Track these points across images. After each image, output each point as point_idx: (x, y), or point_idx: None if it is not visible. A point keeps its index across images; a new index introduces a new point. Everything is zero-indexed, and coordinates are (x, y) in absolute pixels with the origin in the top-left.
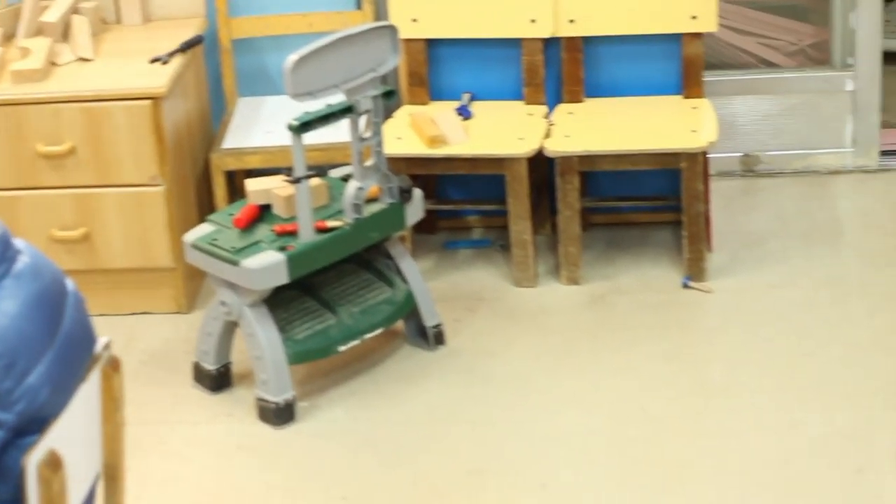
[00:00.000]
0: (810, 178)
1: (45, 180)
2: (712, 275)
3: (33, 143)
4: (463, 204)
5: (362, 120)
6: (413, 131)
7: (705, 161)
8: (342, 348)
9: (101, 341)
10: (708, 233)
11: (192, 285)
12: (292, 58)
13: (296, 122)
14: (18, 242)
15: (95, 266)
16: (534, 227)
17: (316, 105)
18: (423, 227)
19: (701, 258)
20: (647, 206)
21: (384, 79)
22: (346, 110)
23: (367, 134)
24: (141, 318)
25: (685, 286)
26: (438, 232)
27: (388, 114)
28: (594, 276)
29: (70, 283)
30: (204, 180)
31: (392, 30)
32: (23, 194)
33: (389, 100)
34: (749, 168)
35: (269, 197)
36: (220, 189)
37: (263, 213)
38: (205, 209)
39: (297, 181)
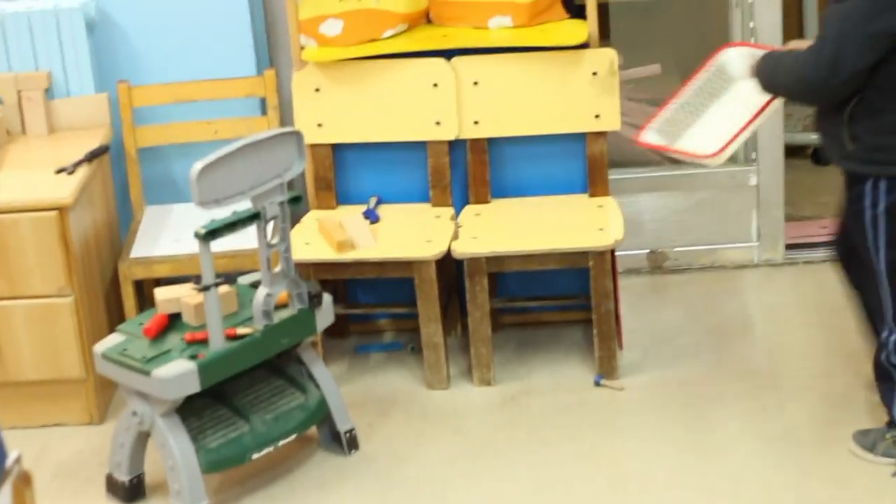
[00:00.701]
0: (718, 273)
1: None
2: (624, 372)
3: None
4: (373, 307)
5: (270, 226)
6: (321, 236)
7: (613, 259)
8: (256, 455)
9: (11, 455)
10: (618, 330)
11: (104, 396)
12: (198, 166)
13: (203, 230)
14: None
15: (5, 379)
16: (445, 329)
17: (223, 212)
18: (334, 332)
19: (612, 356)
20: (557, 306)
21: (291, 184)
22: (254, 217)
23: (275, 240)
24: (53, 431)
25: (597, 384)
26: (349, 336)
27: (295, 219)
28: (507, 377)
29: None
30: (113, 290)
31: (297, 135)
32: None
33: (296, 205)
34: (657, 265)
35: (178, 305)
36: (129, 298)
37: (173, 321)
38: (114, 319)
39: (205, 289)
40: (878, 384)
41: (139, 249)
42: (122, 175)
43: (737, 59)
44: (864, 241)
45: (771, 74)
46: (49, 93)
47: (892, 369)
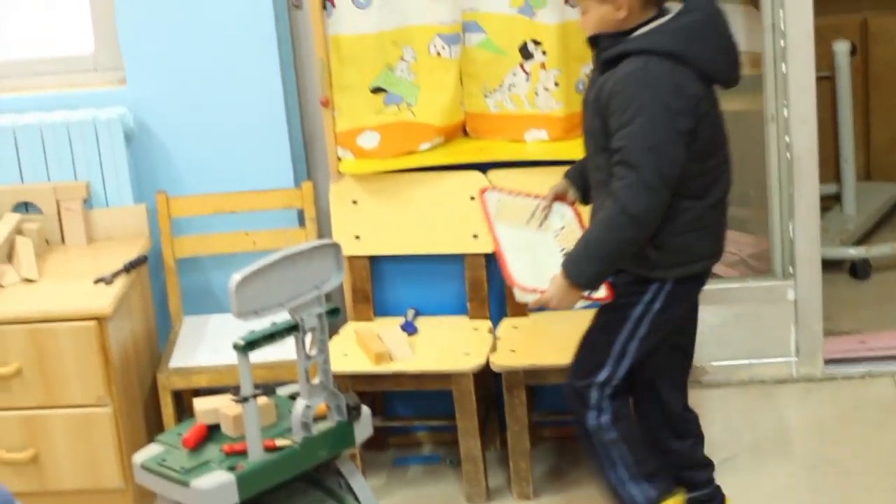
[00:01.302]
0: (756, 387)
1: None
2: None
3: None
4: (411, 420)
5: (308, 338)
6: (359, 348)
7: None
8: None
9: None
10: None
11: None
12: (236, 277)
13: (242, 342)
14: None
15: (44, 488)
16: (483, 443)
17: (261, 323)
18: (372, 444)
19: None
20: None
21: (328, 296)
22: (292, 328)
23: (314, 352)
24: None
25: None
26: (388, 448)
27: (333, 331)
28: (547, 491)
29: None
30: (151, 400)
31: (335, 248)
32: None
33: (334, 317)
34: (695, 379)
35: (217, 416)
36: (167, 408)
37: (212, 432)
38: (153, 429)
39: (244, 400)
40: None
41: (178, 359)
42: (160, 285)
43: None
44: (614, 331)
45: (592, 261)
46: (88, 203)
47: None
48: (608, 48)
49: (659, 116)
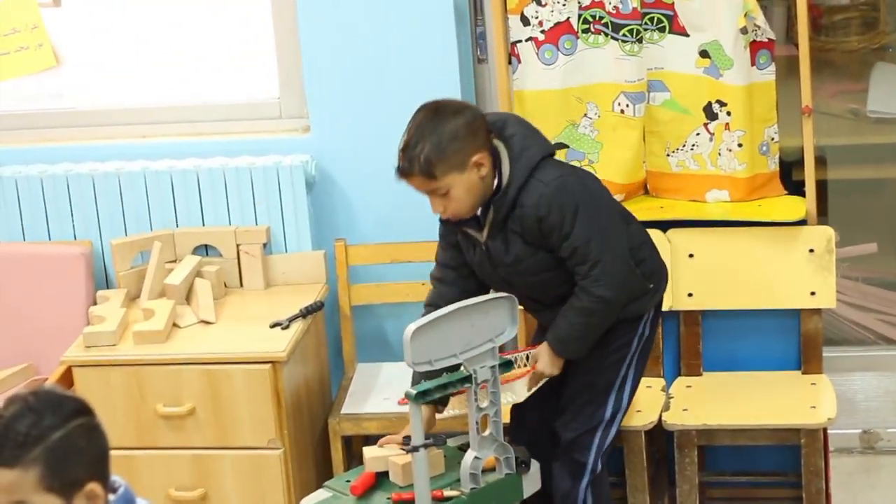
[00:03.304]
0: None
1: (163, 440)
2: None
3: (153, 404)
4: None
5: (480, 389)
6: None
7: (825, 437)
8: None
9: None
10: None
11: None
12: (411, 327)
13: (414, 391)
14: (141, 502)
15: None
16: (652, 500)
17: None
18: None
19: None
20: (766, 482)
21: (501, 349)
22: (465, 380)
23: (485, 404)
24: None
25: None
26: None
27: None
28: None
29: None
30: (322, 445)
31: (511, 300)
32: (141, 454)
33: (507, 370)
34: (869, 445)
35: (386, 464)
36: (337, 454)
37: (380, 480)
38: (322, 474)
39: (414, 450)
40: None
41: (350, 406)
42: (335, 331)
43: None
44: (613, 374)
45: (578, 341)
46: (267, 248)
47: None
48: (500, 201)
49: (589, 208)
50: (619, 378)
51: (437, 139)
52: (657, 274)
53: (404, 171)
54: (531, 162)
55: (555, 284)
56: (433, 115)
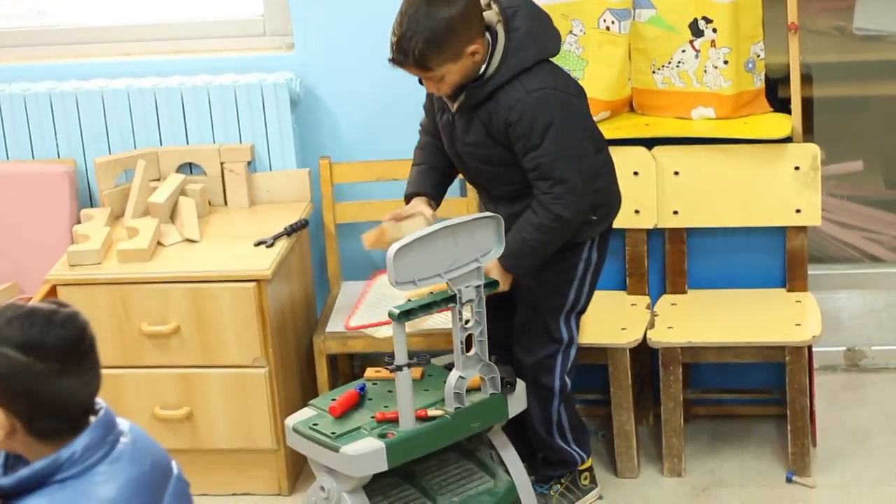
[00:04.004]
0: None
1: (148, 359)
2: (816, 470)
3: (138, 322)
4: None
5: (465, 309)
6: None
7: (810, 355)
8: None
9: None
10: (813, 427)
11: (294, 468)
12: (395, 246)
13: (398, 311)
14: (123, 423)
15: (197, 446)
16: (636, 418)
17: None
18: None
19: (805, 453)
20: (751, 399)
21: None
22: (449, 299)
23: (470, 323)
24: (241, 499)
25: (789, 481)
26: None
27: None
28: (697, 469)
29: (175, 466)
30: (307, 363)
31: (497, 220)
32: (127, 372)
33: (493, 290)
34: (853, 363)
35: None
36: (322, 372)
37: (363, 400)
38: (307, 392)
39: (398, 369)
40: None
41: (334, 324)
42: (319, 250)
43: None
44: (560, 298)
45: (529, 258)
46: (251, 166)
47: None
48: (475, 90)
49: (565, 126)
50: (569, 302)
51: (430, 33)
52: (605, 207)
53: (399, 62)
54: (521, 65)
55: (502, 181)
56: (426, 3)
